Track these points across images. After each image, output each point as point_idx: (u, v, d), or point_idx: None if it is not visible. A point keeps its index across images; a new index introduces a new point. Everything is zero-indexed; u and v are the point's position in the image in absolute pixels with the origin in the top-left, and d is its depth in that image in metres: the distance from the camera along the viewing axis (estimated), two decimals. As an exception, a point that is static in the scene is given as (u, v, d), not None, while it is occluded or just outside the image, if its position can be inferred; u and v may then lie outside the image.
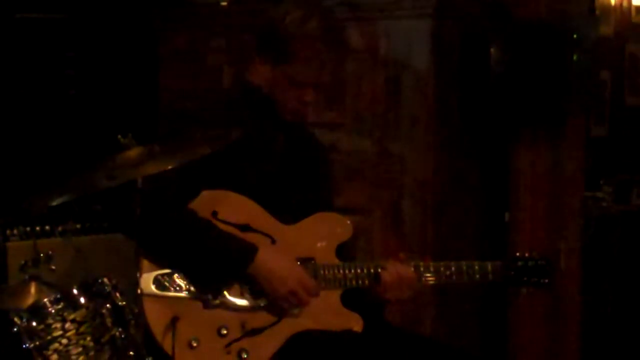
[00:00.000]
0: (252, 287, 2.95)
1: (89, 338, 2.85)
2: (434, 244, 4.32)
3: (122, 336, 2.89)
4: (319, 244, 3.06)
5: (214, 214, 2.96)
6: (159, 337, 2.87)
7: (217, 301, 2.93)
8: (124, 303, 2.92)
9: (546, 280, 3.20)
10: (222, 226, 2.96)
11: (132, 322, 2.89)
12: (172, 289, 2.92)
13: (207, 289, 2.93)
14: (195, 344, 2.89)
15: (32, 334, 2.78)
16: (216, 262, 2.92)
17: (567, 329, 4.54)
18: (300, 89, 3.03)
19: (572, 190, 4.55)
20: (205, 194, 2.96)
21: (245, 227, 2.99)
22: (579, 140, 4.56)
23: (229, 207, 2.98)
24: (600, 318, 5.33)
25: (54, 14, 4.84)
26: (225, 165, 2.96)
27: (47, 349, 2.78)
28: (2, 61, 4.65)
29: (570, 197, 4.54)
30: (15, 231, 4.12)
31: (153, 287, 2.91)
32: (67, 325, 2.83)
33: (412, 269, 3.08)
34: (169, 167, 2.74)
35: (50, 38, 4.80)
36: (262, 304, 2.96)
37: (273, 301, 2.96)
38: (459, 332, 4.47)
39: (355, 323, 3.03)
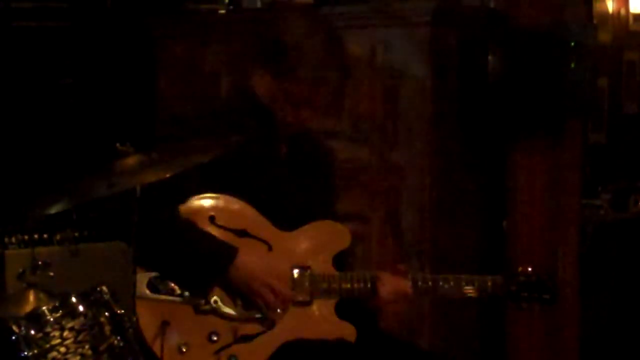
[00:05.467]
0: (243, 297, 2.93)
1: (87, 346, 2.84)
2: (431, 252, 4.31)
3: (121, 345, 2.88)
4: (315, 253, 3.04)
5: (211, 218, 2.94)
6: (149, 341, 2.86)
7: (209, 307, 2.92)
8: (122, 311, 2.92)
9: (547, 296, 3.18)
10: (218, 231, 2.94)
11: (130, 330, 2.88)
12: (165, 292, 2.90)
13: (193, 292, 2.90)
14: (184, 349, 2.87)
15: (30, 342, 2.76)
16: (195, 263, 2.89)
17: (566, 337, 4.54)
18: (295, 107, 2.98)
19: (570, 197, 4.55)
20: (203, 197, 2.95)
21: (242, 233, 2.97)
22: (577, 147, 4.56)
23: (227, 212, 2.96)
24: (598, 325, 5.33)
25: (52, 22, 4.85)
26: (226, 171, 2.95)
27: (46, 357, 2.77)
28: (1, 70, 4.65)
29: (568, 205, 4.54)
30: (13, 239, 4.12)
31: (146, 290, 2.90)
32: (66, 333, 2.82)
33: (410, 282, 3.05)
34: (168, 174, 2.74)
35: (48, 46, 4.80)
36: (256, 315, 2.94)
37: (250, 300, 2.92)
38: (456, 342, 4.46)
39: (347, 333, 3.00)
